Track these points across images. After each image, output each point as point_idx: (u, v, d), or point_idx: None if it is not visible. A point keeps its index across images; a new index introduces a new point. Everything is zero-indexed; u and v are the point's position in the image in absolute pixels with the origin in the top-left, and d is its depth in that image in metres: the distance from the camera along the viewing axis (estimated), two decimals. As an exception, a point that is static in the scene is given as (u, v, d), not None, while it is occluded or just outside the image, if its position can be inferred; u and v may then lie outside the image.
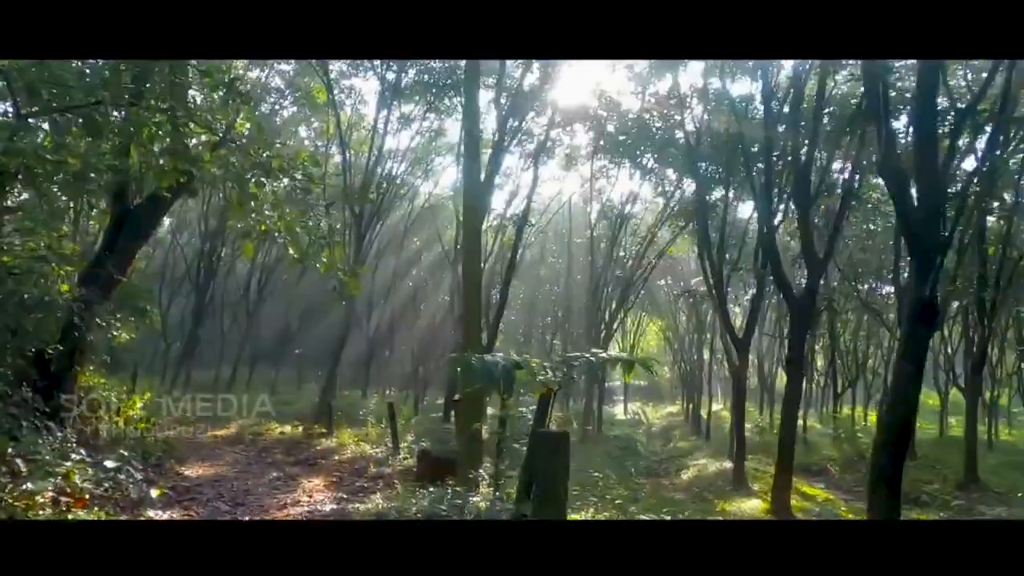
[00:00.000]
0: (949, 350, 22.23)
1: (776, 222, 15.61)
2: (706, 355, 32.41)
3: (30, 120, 5.84)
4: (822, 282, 20.00)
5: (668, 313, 37.85)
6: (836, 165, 14.35)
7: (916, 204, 5.72)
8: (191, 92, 6.86)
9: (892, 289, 24.74)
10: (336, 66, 19.45)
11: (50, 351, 6.57)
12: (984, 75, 8.33)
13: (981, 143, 10.93)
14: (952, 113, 8.67)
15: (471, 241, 8.09)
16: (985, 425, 20.95)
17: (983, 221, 12.57)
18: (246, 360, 29.85)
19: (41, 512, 4.42)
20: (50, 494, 4.99)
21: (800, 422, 27.63)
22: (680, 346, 35.59)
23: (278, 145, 6.94)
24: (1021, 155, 13.12)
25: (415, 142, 23.00)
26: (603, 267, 23.66)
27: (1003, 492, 13.71)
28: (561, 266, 36.62)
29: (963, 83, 11.30)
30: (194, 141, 7.18)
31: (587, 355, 4.95)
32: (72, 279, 7.93)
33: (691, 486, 14.44)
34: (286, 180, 7.09)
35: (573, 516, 5.21)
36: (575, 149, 23.82)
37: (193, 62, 6.19)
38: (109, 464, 5.69)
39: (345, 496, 7.83)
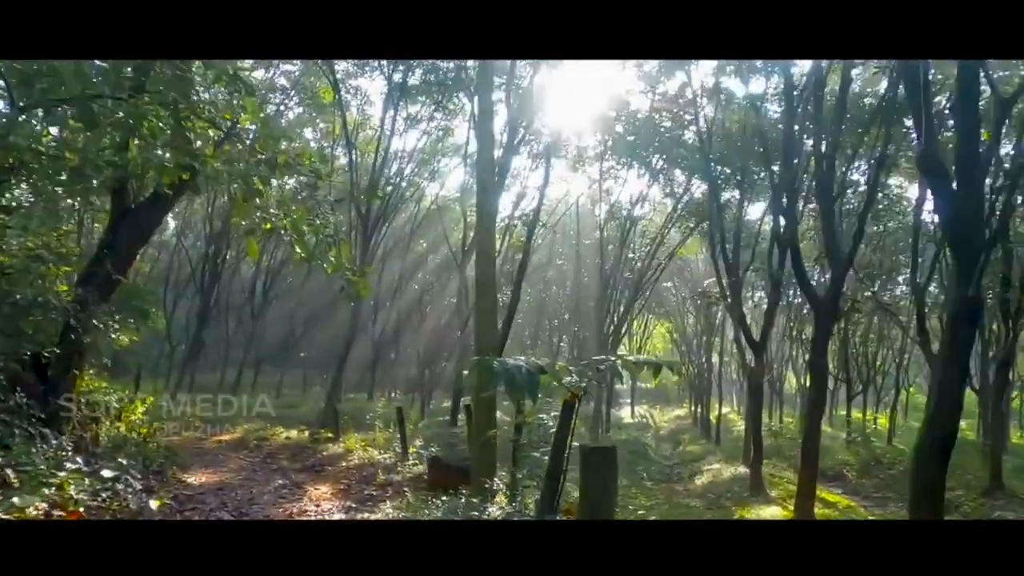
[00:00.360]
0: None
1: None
2: (715, 358, 32.06)
3: (23, 114, 5.57)
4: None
5: (676, 315, 37.56)
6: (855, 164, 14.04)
7: (958, 200, 5.39)
8: (195, 85, 6.59)
9: (895, 291, 24.60)
10: (342, 65, 19.22)
11: (46, 354, 6.30)
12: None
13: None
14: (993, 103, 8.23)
15: (485, 240, 7.78)
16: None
17: (1007, 217, 12.18)
18: (251, 363, 29.66)
19: (32, 527, 4.13)
20: (43, 507, 4.71)
21: (811, 426, 27.46)
22: (688, 349, 35.25)
23: (284, 144, 6.62)
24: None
25: (422, 143, 22.77)
26: (612, 269, 23.33)
27: (1030, 497, 13.31)
28: (568, 268, 36.36)
29: (1006, 72, 10.84)
30: (199, 143, 6.89)
31: (612, 358, 4.65)
32: (72, 279, 7.69)
33: (706, 492, 14.10)
34: (292, 178, 6.80)
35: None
36: (582, 150, 23.58)
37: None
38: (106, 473, 5.39)
39: (354, 505, 7.53)
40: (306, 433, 13.28)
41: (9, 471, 4.39)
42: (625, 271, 24.45)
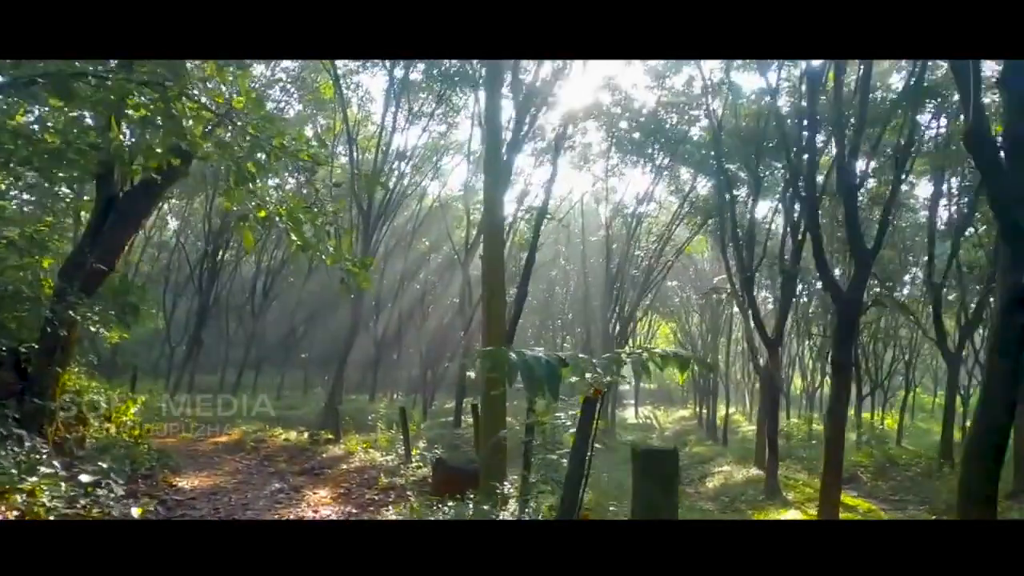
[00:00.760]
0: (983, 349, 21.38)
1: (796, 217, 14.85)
2: (720, 357, 31.61)
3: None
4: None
5: (681, 314, 37.12)
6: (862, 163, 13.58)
7: (1009, 180, 4.95)
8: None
9: (901, 290, 24.12)
10: (343, 61, 18.82)
11: (24, 350, 5.88)
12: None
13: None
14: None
15: (493, 232, 7.33)
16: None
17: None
18: (252, 364, 29.28)
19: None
20: (12, 515, 4.28)
21: (818, 427, 26.99)
22: (692, 348, 34.78)
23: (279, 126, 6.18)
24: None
25: (423, 140, 22.37)
26: (619, 266, 22.90)
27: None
28: (571, 267, 35.94)
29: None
30: (189, 122, 6.46)
31: (637, 352, 4.21)
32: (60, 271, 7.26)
33: (719, 495, 13.65)
34: (289, 161, 6.36)
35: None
36: (586, 147, 23.20)
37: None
38: (85, 478, 4.98)
39: (354, 510, 7.12)
40: (306, 435, 12.85)
41: (-29, 476, 3.97)
42: (631, 268, 24.02)
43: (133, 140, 5.94)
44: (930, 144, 14.85)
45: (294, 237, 6.12)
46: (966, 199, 16.78)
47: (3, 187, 6.31)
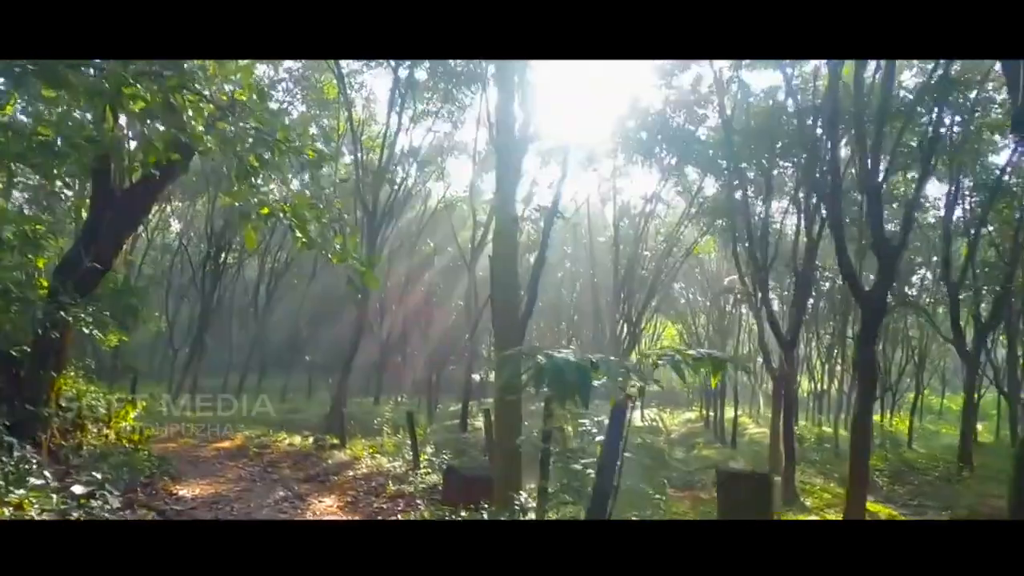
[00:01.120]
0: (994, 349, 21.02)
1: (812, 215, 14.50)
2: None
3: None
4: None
5: (687, 316, 36.74)
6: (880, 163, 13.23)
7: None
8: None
9: (909, 290, 23.74)
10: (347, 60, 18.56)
11: (14, 353, 5.59)
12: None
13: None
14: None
15: (505, 229, 7.01)
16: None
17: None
18: (255, 367, 29.02)
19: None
20: (-2, 530, 3.97)
21: (828, 430, 26.61)
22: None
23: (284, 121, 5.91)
24: None
25: (428, 139, 22.09)
26: (627, 267, 22.57)
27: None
28: (576, 269, 35.61)
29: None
30: (189, 112, 6.16)
31: (669, 353, 3.90)
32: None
33: (734, 501, 13.28)
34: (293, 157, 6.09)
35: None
36: (593, 147, 22.90)
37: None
38: (78, 489, 4.68)
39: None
40: (310, 439, 12.55)
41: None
42: (639, 269, 23.69)
43: (130, 135, 5.63)
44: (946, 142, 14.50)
45: (298, 234, 5.86)
46: (978, 198, 16.48)
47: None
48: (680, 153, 20.69)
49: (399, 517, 6.85)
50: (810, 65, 14.03)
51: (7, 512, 4.16)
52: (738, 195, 14.91)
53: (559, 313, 38.44)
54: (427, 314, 31.86)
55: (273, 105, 20.07)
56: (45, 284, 6.48)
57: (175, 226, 31.89)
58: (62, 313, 5.25)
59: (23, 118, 5.85)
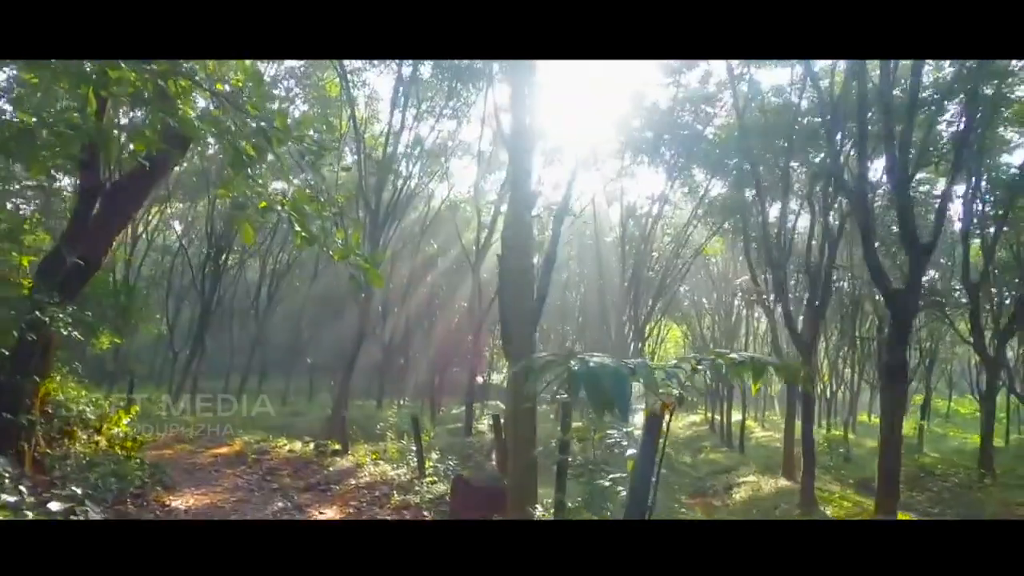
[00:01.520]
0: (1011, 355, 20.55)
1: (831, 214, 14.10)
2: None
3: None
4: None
5: (693, 318, 36.30)
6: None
7: None
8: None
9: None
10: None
11: (-6, 357, 5.20)
12: None
13: None
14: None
15: (519, 223, 6.61)
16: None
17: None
18: (256, 369, 28.66)
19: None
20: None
21: (838, 433, 26.13)
22: (704, 353, 33.94)
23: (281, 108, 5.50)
24: None
25: (431, 138, 21.69)
26: (635, 268, 22.16)
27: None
28: (581, 271, 35.18)
29: None
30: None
31: (711, 357, 3.49)
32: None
33: (749, 508, 12.86)
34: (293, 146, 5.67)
35: None
36: (598, 146, 22.52)
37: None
38: (55, 507, 4.27)
39: (365, 535, 6.38)
40: (311, 445, 12.13)
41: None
42: (647, 270, 23.28)
43: (118, 123, 5.24)
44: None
45: (298, 229, 5.47)
46: (992, 198, 16.06)
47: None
48: (687, 152, 20.32)
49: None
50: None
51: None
52: (750, 194, 14.50)
53: (564, 315, 37.97)
54: (430, 316, 31.48)
55: (273, 106, 19.74)
56: (28, 283, 6.09)
57: (176, 227, 31.59)
58: (38, 313, 4.86)
59: (3, 105, 5.46)
